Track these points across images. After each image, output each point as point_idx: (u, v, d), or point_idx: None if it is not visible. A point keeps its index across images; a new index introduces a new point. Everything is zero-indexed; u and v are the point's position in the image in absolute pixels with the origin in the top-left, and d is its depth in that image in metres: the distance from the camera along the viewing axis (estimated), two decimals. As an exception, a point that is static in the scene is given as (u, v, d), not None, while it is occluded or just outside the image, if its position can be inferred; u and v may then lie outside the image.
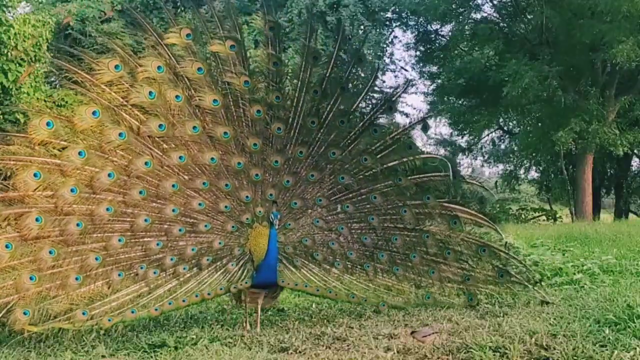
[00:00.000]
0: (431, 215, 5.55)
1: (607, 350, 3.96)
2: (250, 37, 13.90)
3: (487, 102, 23.86)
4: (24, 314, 4.50)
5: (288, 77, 5.54)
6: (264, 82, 5.35)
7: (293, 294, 6.60)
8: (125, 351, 4.61)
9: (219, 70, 5.23)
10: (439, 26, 25.20)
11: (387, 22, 24.73)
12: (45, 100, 7.40)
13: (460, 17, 23.23)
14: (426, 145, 23.86)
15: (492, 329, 4.63)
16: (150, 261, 5.02)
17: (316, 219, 5.47)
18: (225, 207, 5.26)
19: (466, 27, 23.46)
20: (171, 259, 5.08)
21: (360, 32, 20.89)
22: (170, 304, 5.01)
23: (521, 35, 22.77)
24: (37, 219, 4.59)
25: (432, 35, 25.88)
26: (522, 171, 28.95)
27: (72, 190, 4.72)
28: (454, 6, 22.76)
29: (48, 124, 4.70)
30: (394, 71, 25.85)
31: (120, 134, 4.86)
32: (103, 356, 4.48)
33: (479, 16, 23.81)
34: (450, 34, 24.58)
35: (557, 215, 25.36)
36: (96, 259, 4.80)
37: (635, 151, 24.86)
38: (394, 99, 5.74)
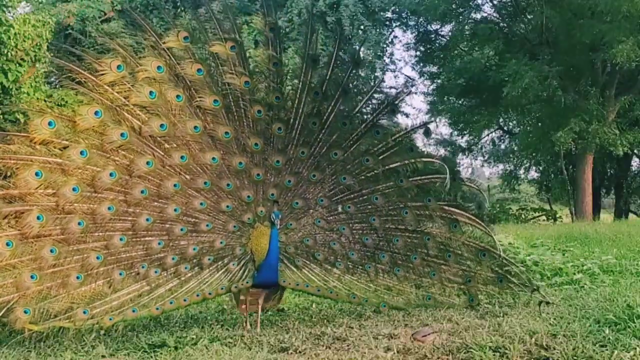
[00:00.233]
0: (432, 217, 5.56)
1: (607, 350, 3.96)
2: (250, 37, 13.91)
3: (487, 102, 23.86)
4: (25, 312, 4.49)
5: (288, 78, 5.54)
6: (264, 83, 5.36)
7: (293, 294, 6.60)
8: (125, 351, 4.61)
9: (219, 71, 5.23)
10: (439, 26, 25.21)
11: (387, 22, 24.75)
12: (45, 100, 7.40)
13: (460, 17, 23.23)
14: (426, 146, 23.85)
15: (492, 329, 4.63)
16: (151, 260, 5.02)
17: (317, 219, 5.48)
18: (227, 206, 5.26)
19: (466, 27, 23.46)
20: (172, 259, 5.08)
21: (360, 32, 20.90)
22: (171, 303, 5.01)
23: (521, 35, 22.78)
24: (38, 217, 4.59)
25: (432, 35, 25.88)
26: (522, 171, 28.99)
27: (73, 189, 4.71)
28: (454, 6, 22.76)
29: (50, 123, 4.69)
30: (394, 71, 25.89)
31: (122, 134, 4.86)
32: (103, 356, 4.48)
33: (479, 16, 23.83)
34: (450, 34, 24.58)
35: (557, 215, 25.36)
36: (97, 257, 4.80)
37: (635, 151, 24.87)
38: (396, 102, 5.75)
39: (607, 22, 18.79)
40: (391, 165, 5.49)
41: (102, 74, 4.81)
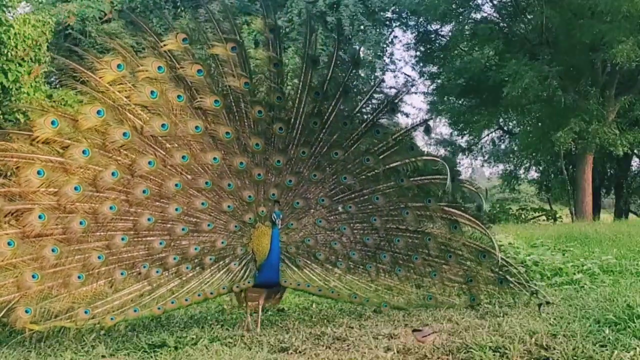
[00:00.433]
0: (432, 218, 5.57)
1: (607, 350, 3.97)
2: (251, 37, 13.91)
3: (487, 102, 23.87)
4: (26, 312, 4.48)
5: (288, 78, 5.55)
6: (264, 83, 5.36)
7: (293, 294, 6.61)
8: (125, 351, 4.60)
9: (219, 72, 5.23)
10: (439, 26, 25.22)
11: (387, 22, 24.74)
12: (48, 98, 7.40)
13: (460, 17, 23.24)
14: (427, 146, 23.89)
15: (492, 329, 4.64)
16: (153, 260, 5.02)
17: (318, 219, 5.48)
18: (228, 206, 5.27)
19: (466, 27, 23.46)
20: (174, 258, 5.09)
21: (360, 32, 20.90)
22: (173, 302, 5.01)
23: (521, 35, 22.79)
24: (40, 217, 4.58)
25: (432, 35, 25.89)
26: (522, 171, 28.99)
27: (75, 189, 4.71)
28: (454, 6, 22.76)
29: (53, 122, 4.69)
30: (394, 71, 25.90)
31: (124, 134, 4.87)
32: (103, 356, 4.48)
33: (479, 16, 23.84)
34: (450, 34, 24.59)
35: (557, 215, 25.37)
36: (99, 257, 4.79)
37: (635, 151, 24.88)
38: (396, 101, 5.75)
39: (607, 22, 18.80)
40: (392, 165, 5.49)
41: (102, 73, 4.82)
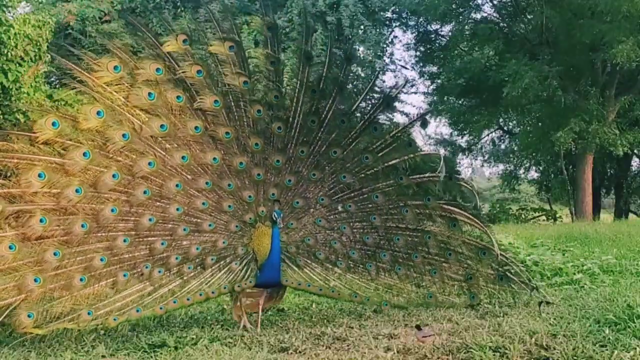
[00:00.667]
0: (431, 216, 5.57)
1: (607, 350, 3.97)
2: (250, 37, 13.91)
3: (487, 102, 23.87)
4: (28, 317, 4.47)
5: (286, 77, 5.55)
6: (263, 82, 5.37)
7: (293, 293, 6.61)
8: (125, 351, 4.61)
9: (218, 71, 5.24)
10: (439, 26, 25.23)
11: (387, 22, 24.75)
12: (49, 98, 7.39)
13: (460, 17, 23.25)
14: (426, 145, 23.87)
15: (492, 329, 4.64)
16: (154, 260, 5.02)
17: (318, 218, 5.49)
18: (229, 206, 5.27)
19: (466, 27, 23.48)
20: (176, 258, 5.09)
21: (360, 32, 20.90)
22: (175, 302, 5.02)
23: (521, 35, 22.80)
24: (41, 220, 4.57)
25: (432, 35, 25.90)
26: (522, 171, 28.99)
27: (77, 191, 4.71)
28: (454, 6, 22.78)
29: (54, 123, 4.69)
30: (394, 71, 25.89)
31: (124, 135, 4.87)
32: (103, 356, 4.48)
33: (479, 16, 23.85)
34: (450, 34, 24.60)
35: (557, 215, 25.36)
36: (101, 259, 4.78)
37: (635, 151, 24.88)
38: (393, 95, 5.75)
39: (607, 22, 18.81)
40: (390, 162, 5.50)
41: (99, 75, 4.82)
